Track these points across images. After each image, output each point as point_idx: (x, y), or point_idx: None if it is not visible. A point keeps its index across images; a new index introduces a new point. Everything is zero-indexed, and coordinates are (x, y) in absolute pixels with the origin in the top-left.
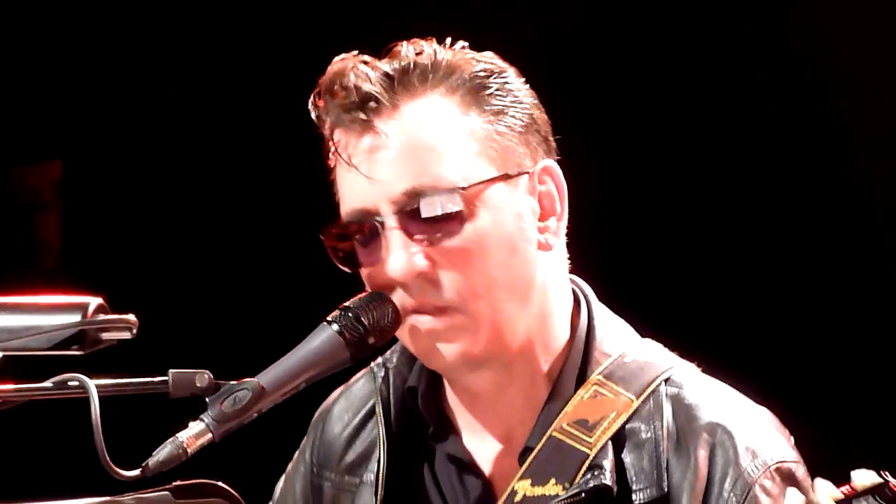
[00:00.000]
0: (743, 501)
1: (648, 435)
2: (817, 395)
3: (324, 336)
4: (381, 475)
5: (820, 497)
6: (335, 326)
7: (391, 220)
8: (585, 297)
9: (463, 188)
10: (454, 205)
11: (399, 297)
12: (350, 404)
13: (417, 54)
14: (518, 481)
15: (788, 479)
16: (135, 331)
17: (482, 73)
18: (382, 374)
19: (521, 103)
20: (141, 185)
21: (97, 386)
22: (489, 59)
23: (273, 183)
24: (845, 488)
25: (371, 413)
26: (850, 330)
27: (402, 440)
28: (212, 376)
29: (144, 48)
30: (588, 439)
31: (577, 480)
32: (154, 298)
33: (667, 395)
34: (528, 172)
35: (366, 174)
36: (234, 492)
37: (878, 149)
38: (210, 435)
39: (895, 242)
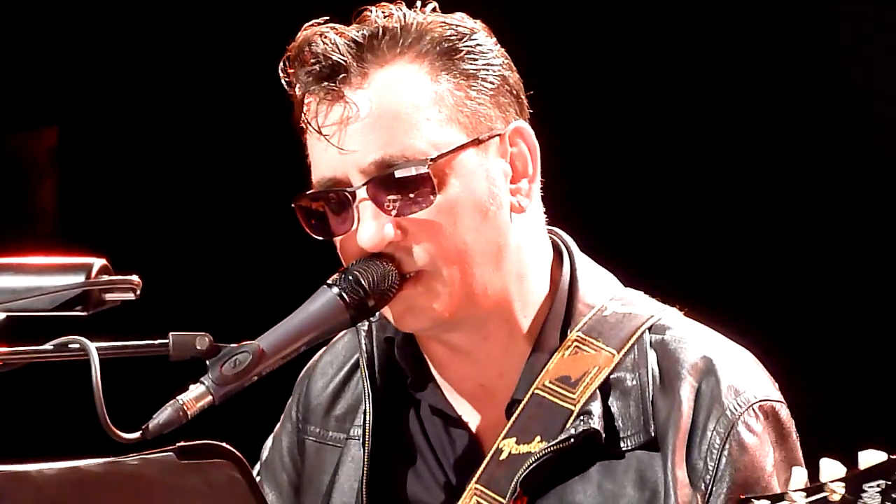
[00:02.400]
0: (726, 438)
1: (633, 382)
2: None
3: (324, 299)
4: (367, 427)
5: (825, 476)
6: (335, 289)
7: (361, 191)
8: (568, 249)
9: (433, 159)
10: (423, 175)
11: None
12: (334, 359)
13: (386, 17)
14: (503, 439)
15: (772, 417)
16: (138, 292)
17: (452, 37)
18: (365, 327)
19: (491, 65)
20: (137, 150)
21: (98, 348)
22: (459, 21)
23: (272, 144)
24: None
25: (355, 367)
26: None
27: (387, 392)
28: (212, 339)
29: (139, 15)
30: (571, 395)
31: (562, 432)
32: (152, 263)
33: (650, 343)
34: (499, 135)
35: (336, 144)
36: (237, 452)
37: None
38: (210, 397)
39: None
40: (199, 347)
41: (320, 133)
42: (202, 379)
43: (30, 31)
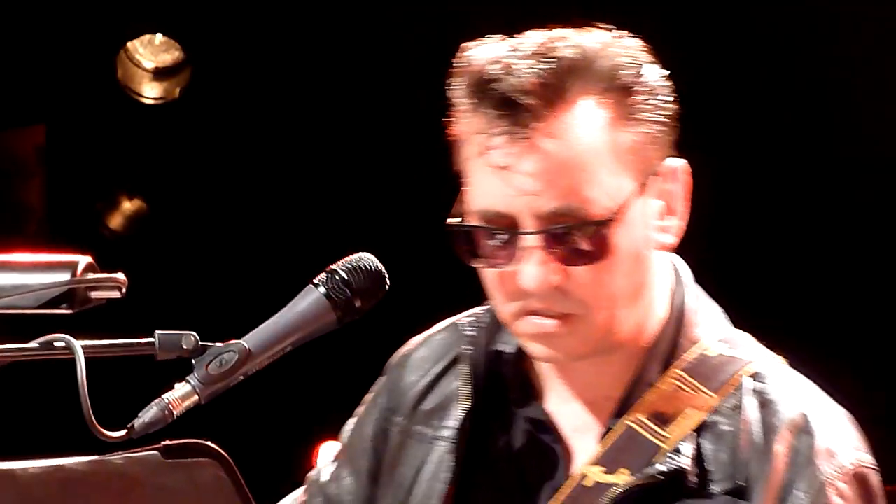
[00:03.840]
0: (816, 500)
1: (729, 429)
2: None
3: (310, 298)
4: (461, 433)
5: None
6: (322, 289)
7: (533, 238)
8: (680, 278)
9: (612, 217)
10: (602, 236)
11: (522, 301)
12: (431, 353)
13: (568, 48)
14: (590, 466)
15: (863, 483)
16: (124, 290)
17: (629, 76)
18: (473, 332)
19: (662, 106)
20: (124, 149)
21: (83, 347)
22: (635, 53)
23: (260, 143)
24: None
25: (450, 366)
26: None
27: (485, 401)
28: (198, 338)
29: (125, 13)
30: (663, 434)
31: (648, 469)
32: (138, 263)
33: (750, 389)
34: (657, 172)
35: (514, 184)
36: (222, 451)
37: None
38: (196, 397)
39: None
40: (184, 346)
41: (501, 169)
42: (188, 378)
43: (16, 27)
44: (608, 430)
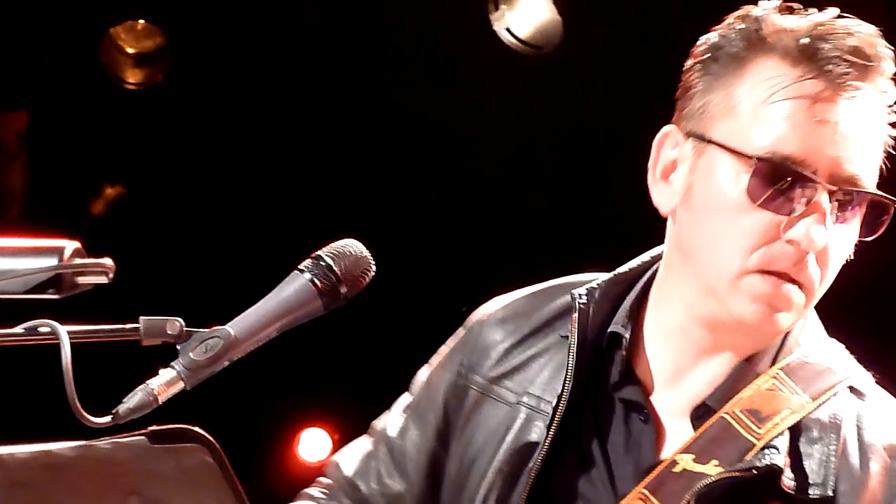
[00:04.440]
0: None
1: (823, 436)
2: None
3: (296, 285)
4: (560, 408)
5: None
6: (307, 275)
7: (827, 198)
8: None
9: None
10: (885, 216)
11: (774, 255)
12: (518, 315)
13: (874, 29)
14: (681, 453)
15: None
16: (111, 275)
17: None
18: (583, 304)
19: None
20: (107, 135)
21: (68, 332)
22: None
23: (243, 128)
24: None
25: (541, 330)
26: None
27: (584, 375)
28: (183, 324)
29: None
30: (757, 430)
31: (738, 463)
32: (122, 248)
33: (849, 404)
34: None
35: (825, 137)
36: (209, 436)
37: None
38: (181, 383)
39: None
40: (169, 332)
41: (817, 121)
42: (173, 364)
43: None
44: (704, 406)
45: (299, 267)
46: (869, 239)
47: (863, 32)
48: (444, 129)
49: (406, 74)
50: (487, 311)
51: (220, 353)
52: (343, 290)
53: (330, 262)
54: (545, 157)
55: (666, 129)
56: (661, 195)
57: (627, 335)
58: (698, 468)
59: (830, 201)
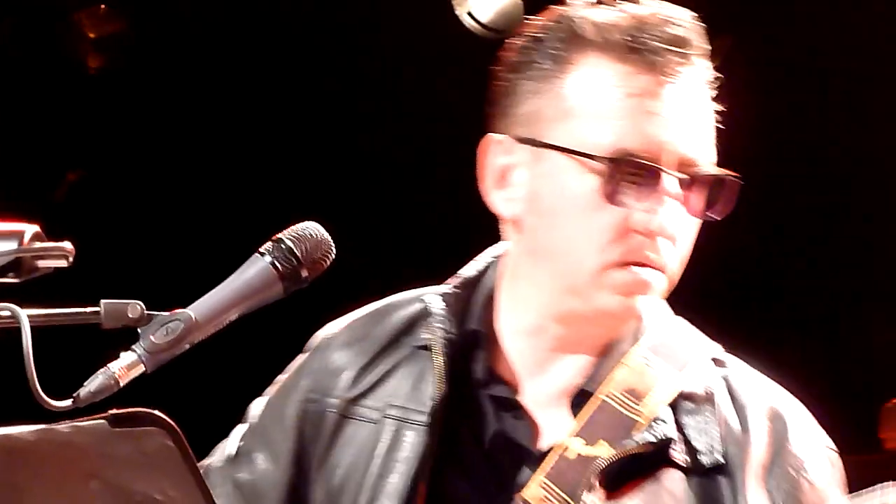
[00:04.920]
0: (798, 477)
1: (698, 407)
2: None
3: (256, 268)
4: (435, 413)
5: None
6: (267, 258)
7: (675, 184)
8: None
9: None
10: (733, 193)
11: (632, 246)
12: (363, 335)
13: (689, 14)
14: (572, 438)
15: (836, 465)
16: (71, 259)
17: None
18: (440, 309)
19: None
20: (68, 118)
21: (28, 315)
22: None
23: (204, 109)
24: None
25: (391, 346)
26: None
27: (452, 382)
28: (144, 307)
29: None
30: (637, 407)
31: (628, 440)
32: (83, 231)
33: (714, 373)
34: None
35: (661, 127)
36: (170, 420)
37: None
38: (142, 366)
39: None
40: (130, 315)
41: (650, 113)
42: (133, 347)
43: None
44: (582, 392)
45: (260, 250)
46: (720, 217)
47: (678, 18)
48: (401, 112)
49: (365, 57)
50: (328, 334)
51: (181, 336)
52: (304, 273)
53: (290, 244)
54: None
55: (492, 136)
56: (500, 203)
57: (484, 330)
58: (590, 451)
59: (677, 188)
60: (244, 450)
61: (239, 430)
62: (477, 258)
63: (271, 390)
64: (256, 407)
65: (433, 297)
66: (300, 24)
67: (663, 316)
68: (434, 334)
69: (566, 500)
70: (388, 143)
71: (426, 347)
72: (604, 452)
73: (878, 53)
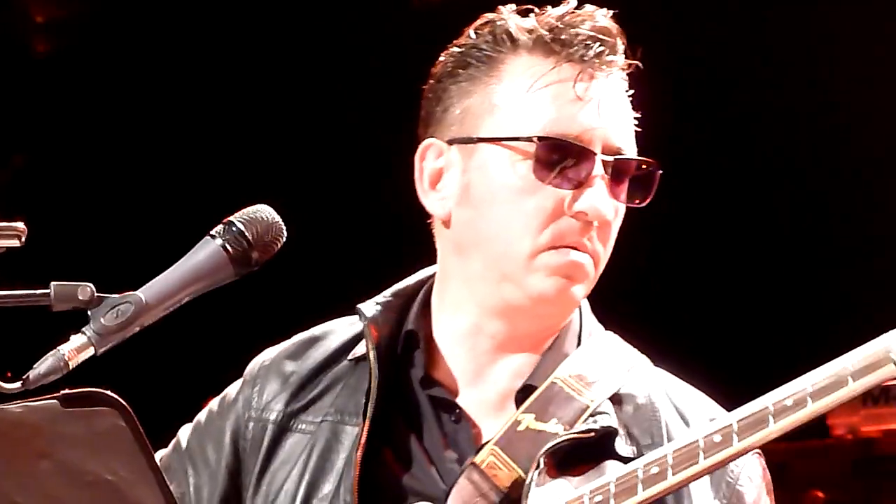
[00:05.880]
0: (739, 474)
1: (639, 406)
2: None
3: (207, 250)
4: (368, 411)
5: None
6: (218, 241)
7: (601, 167)
8: None
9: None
10: (653, 180)
11: (563, 229)
12: (297, 357)
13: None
14: (523, 413)
15: (765, 469)
16: (23, 239)
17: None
18: (375, 314)
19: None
20: (15, 101)
21: None
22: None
23: (154, 92)
24: None
25: (332, 365)
26: None
27: (387, 381)
28: (94, 289)
29: None
30: (587, 392)
31: (578, 423)
32: (34, 213)
33: (651, 377)
34: None
35: (591, 113)
36: (121, 400)
37: None
38: (92, 348)
39: None
40: (81, 298)
41: (579, 99)
42: (84, 329)
43: None
44: (527, 386)
45: (211, 233)
46: (643, 204)
47: (600, 17)
48: (355, 96)
49: (313, 37)
50: (267, 358)
51: (132, 318)
52: (254, 255)
53: (241, 227)
54: None
55: (425, 142)
56: (434, 203)
57: (422, 334)
58: (540, 426)
59: (606, 172)
60: (171, 465)
61: (167, 456)
62: (413, 275)
63: (201, 416)
64: (185, 431)
65: (370, 306)
66: (247, 6)
67: (599, 328)
68: (369, 340)
69: (512, 467)
70: (342, 125)
71: (363, 358)
72: (552, 429)
73: (776, 70)
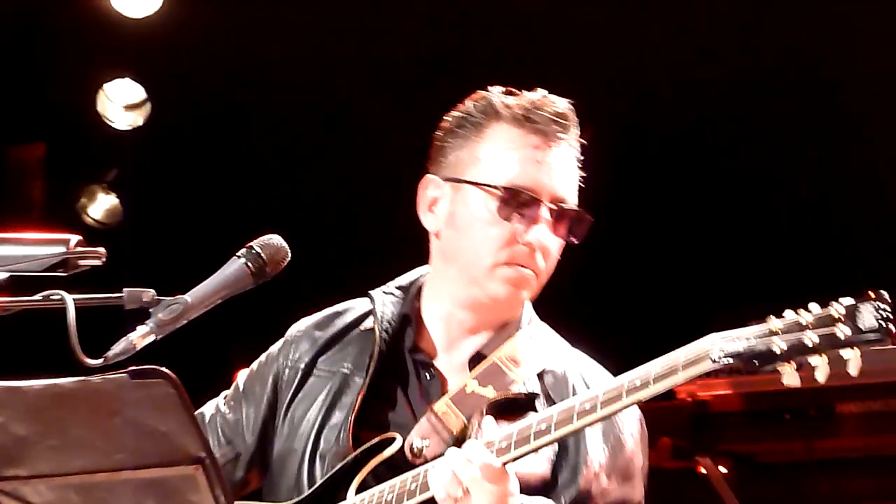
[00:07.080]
0: (621, 429)
1: (558, 380)
2: None
3: (234, 266)
4: (370, 369)
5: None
6: (242, 259)
7: (547, 213)
8: None
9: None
10: (586, 226)
11: (516, 252)
12: (322, 325)
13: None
14: (471, 380)
15: (643, 424)
16: (104, 260)
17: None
18: (387, 297)
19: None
20: (110, 163)
21: (73, 299)
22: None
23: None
24: None
25: (348, 329)
26: None
27: (387, 349)
28: (154, 293)
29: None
30: (517, 370)
31: (508, 389)
32: (112, 240)
33: (569, 358)
34: None
35: (544, 172)
36: (172, 374)
37: None
38: (153, 335)
39: None
40: (144, 299)
41: (538, 162)
42: (147, 321)
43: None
44: (479, 354)
45: (237, 254)
46: (577, 242)
47: (560, 104)
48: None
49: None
50: (302, 325)
51: (181, 314)
52: (268, 270)
53: (259, 250)
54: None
55: (427, 177)
56: (430, 221)
57: (413, 315)
58: (481, 391)
59: (550, 216)
60: (232, 399)
61: (228, 392)
62: (411, 272)
63: (254, 365)
64: (242, 375)
65: (378, 293)
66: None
67: (536, 319)
68: (376, 317)
69: (460, 416)
70: (337, 176)
71: (371, 331)
72: (489, 393)
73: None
